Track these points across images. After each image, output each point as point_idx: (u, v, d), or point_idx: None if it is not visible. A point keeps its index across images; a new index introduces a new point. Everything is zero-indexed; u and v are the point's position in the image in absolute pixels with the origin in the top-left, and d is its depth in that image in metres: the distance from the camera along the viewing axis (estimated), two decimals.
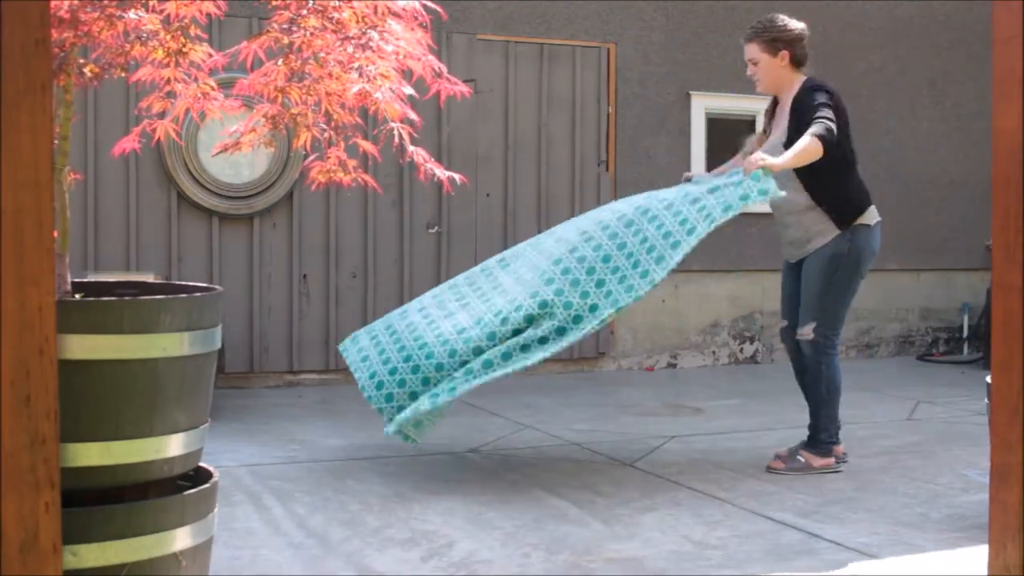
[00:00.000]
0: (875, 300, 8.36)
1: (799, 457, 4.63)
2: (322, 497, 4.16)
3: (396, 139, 2.92)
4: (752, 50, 4.65)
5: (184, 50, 2.77)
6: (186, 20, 2.76)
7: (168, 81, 2.83)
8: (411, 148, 2.99)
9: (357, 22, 2.80)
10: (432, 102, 3.26)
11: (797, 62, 4.65)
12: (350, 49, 2.80)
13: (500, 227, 7.39)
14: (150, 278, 5.87)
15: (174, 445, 2.56)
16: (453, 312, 4.59)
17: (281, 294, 6.88)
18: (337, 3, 2.80)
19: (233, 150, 3.04)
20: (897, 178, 8.59)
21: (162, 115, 2.98)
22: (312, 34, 2.80)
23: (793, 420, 5.48)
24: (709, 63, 7.99)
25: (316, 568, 3.36)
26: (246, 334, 6.78)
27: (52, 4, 2.27)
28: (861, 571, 3.38)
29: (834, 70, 8.36)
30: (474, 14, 7.30)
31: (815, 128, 4.38)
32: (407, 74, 2.92)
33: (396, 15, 2.87)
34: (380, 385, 4.40)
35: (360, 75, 2.80)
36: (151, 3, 2.71)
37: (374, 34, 2.81)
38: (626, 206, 4.61)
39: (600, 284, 4.25)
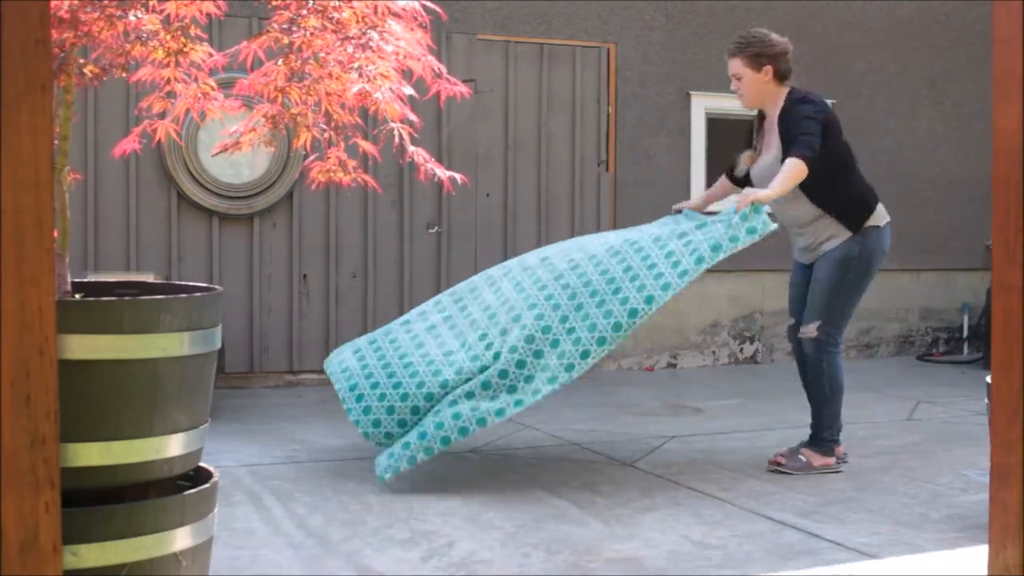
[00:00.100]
0: (875, 300, 8.36)
1: (800, 456, 4.63)
2: (322, 497, 4.16)
3: (396, 139, 2.92)
4: (735, 65, 4.65)
5: (184, 50, 2.77)
6: (186, 20, 2.76)
7: (168, 81, 2.83)
8: (411, 148, 2.99)
9: (357, 22, 2.80)
10: (432, 102, 3.26)
11: (781, 76, 4.63)
12: (350, 49, 2.80)
13: (500, 227, 7.39)
14: (150, 278, 5.87)
15: (174, 445, 2.56)
16: (439, 333, 4.59)
17: (281, 294, 6.88)
18: (337, 3, 2.80)
19: (233, 150, 3.04)
20: (897, 178, 8.59)
21: (162, 115, 2.98)
22: (312, 34, 2.80)
23: (793, 420, 5.48)
24: (709, 63, 7.99)
25: (316, 568, 3.36)
26: (246, 334, 6.78)
27: (52, 4, 2.27)
28: (861, 571, 3.38)
29: (834, 70, 8.37)
30: (474, 14, 7.30)
31: (795, 149, 4.40)
32: (407, 74, 2.92)
33: (396, 15, 2.87)
34: (360, 398, 4.45)
35: (360, 75, 2.80)
36: (151, 3, 2.71)
37: (374, 34, 2.81)
38: (616, 239, 4.65)
39: (591, 328, 4.22)
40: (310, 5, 2.80)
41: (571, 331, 4.23)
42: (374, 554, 3.49)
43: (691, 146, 7.94)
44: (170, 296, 2.59)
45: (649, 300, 4.17)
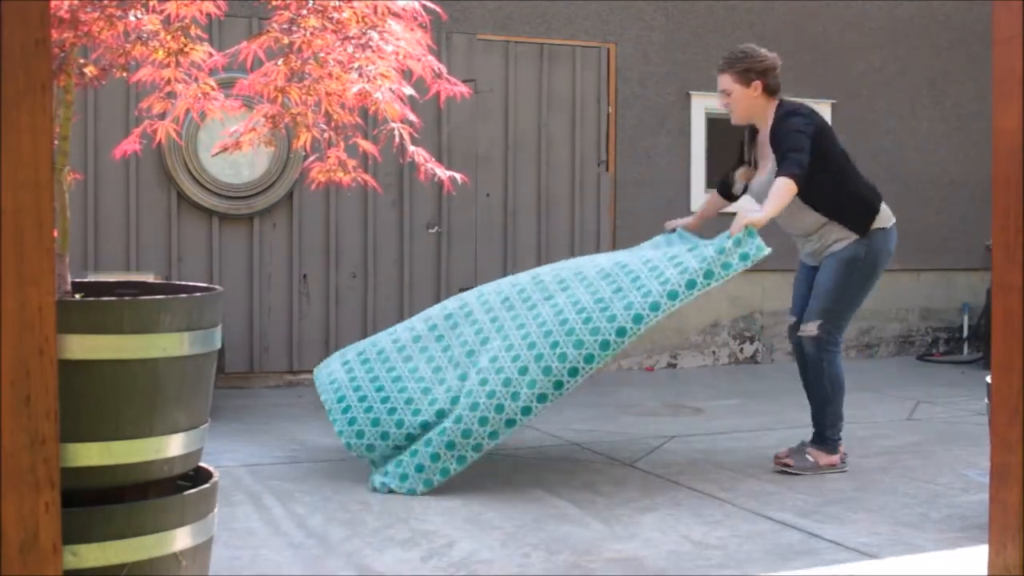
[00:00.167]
0: (875, 300, 8.35)
1: (807, 456, 4.64)
2: (322, 497, 4.16)
3: (396, 139, 2.92)
4: (725, 81, 4.65)
5: (184, 50, 2.77)
6: (186, 20, 2.76)
7: (168, 81, 2.83)
8: (411, 148, 2.99)
9: (357, 22, 2.80)
10: (432, 102, 3.26)
11: (770, 91, 4.62)
12: (350, 49, 2.80)
13: (500, 227, 7.40)
14: (150, 278, 5.87)
15: (174, 445, 2.56)
16: (432, 356, 4.59)
17: (281, 294, 6.88)
18: (337, 3, 2.80)
19: (233, 150, 3.04)
20: (897, 178, 8.59)
21: (162, 116, 2.98)
22: (312, 34, 2.80)
23: (793, 420, 5.48)
24: (709, 63, 7.98)
25: (316, 568, 3.36)
26: (246, 334, 6.78)
27: (52, 4, 2.27)
28: (861, 571, 3.38)
29: (834, 70, 8.37)
30: (474, 14, 7.30)
31: (783, 168, 4.41)
32: (407, 74, 2.92)
33: (396, 15, 2.87)
34: (347, 409, 4.47)
35: (360, 75, 2.80)
36: (151, 3, 2.71)
37: (374, 34, 2.81)
38: (607, 261, 4.66)
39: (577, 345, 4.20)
40: (310, 5, 2.80)
41: (557, 348, 4.22)
42: (374, 554, 3.49)
43: (691, 146, 7.94)
44: (170, 296, 2.59)
45: (638, 319, 4.15)
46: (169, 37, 2.74)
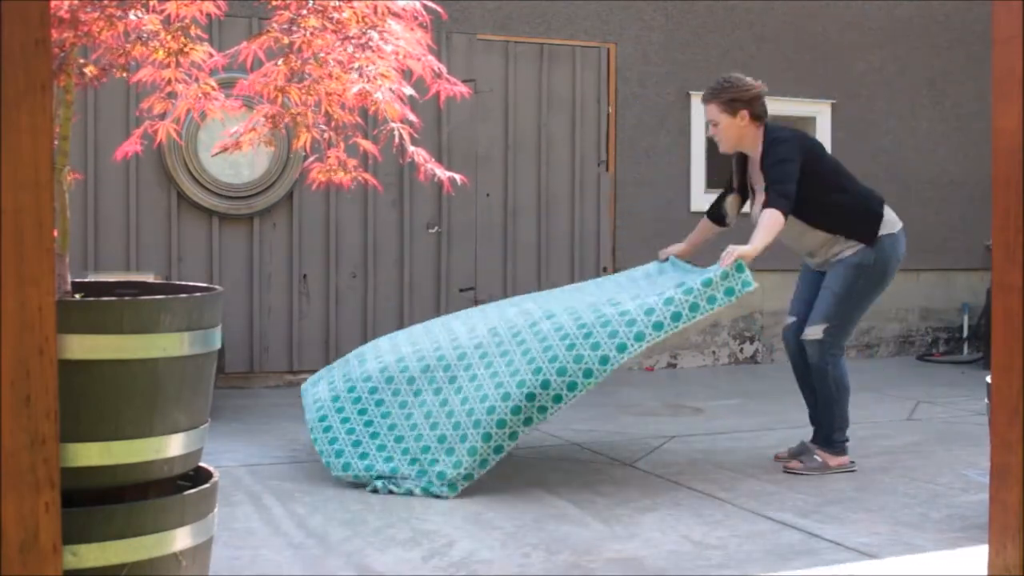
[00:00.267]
0: None
1: (816, 456, 4.64)
2: (322, 497, 4.16)
3: (396, 139, 2.92)
4: (711, 111, 4.65)
5: (185, 50, 2.77)
6: (186, 20, 2.76)
7: (169, 82, 2.83)
8: (411, 148, 2.99)
9: (357, 22, 2.80)
10: (432, 102, 3.26)
11: (757, 118, 4.63)
12: (350, 49, 2.80)
13: (500, 227, 7.40)
14: (150, 278, 5.87)
15: (174, 445, 2.56)
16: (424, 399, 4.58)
17: (281, 294, 6.88)
18: (337, 3, 2.80)
19: (233, 150, 3.04)
20: (897, 178, 8.59)
21: (163, 116, 2.98)
22: (312, 34, 2.80)
23: (793, 420, 5.48)
24: (709, 63, 7.99)
25: (316, 568, 3.36)
26: (246, 334, 6.78)
27: (52, 4, 2.27)
28: (861, 571, 3.38)
29: (834, 70, 8.37)
30: (474, 14, 7.30)
31: (769, 200, 4.42)
32: (407, 74, 2.92)
33: (396, 15, 2.87)
34: (328, 428, 4.50)
35: (360, 75, 2.80)
36: (151, 3, 2.71)
37: (374, 34, 2.81)
38: (596, 291, 4.74)
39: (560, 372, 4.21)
40: (310, 5, 2.80)
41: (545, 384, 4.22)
42: (374, 554, 3.49)
43: (691, 146, 7.94)
44: (170, 296, 2.59)
45: (622, 348, 4.15)
46: (169, 37, 2.74)
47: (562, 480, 4.49)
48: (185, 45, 2.76)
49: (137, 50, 2.74)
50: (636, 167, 7.79)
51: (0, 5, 1.86)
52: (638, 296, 4.37)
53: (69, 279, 2.73)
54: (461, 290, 7.29)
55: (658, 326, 4.16)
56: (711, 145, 8.00)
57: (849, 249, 4.63)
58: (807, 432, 4.91)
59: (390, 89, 2.84)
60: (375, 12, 2.83)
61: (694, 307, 4.19)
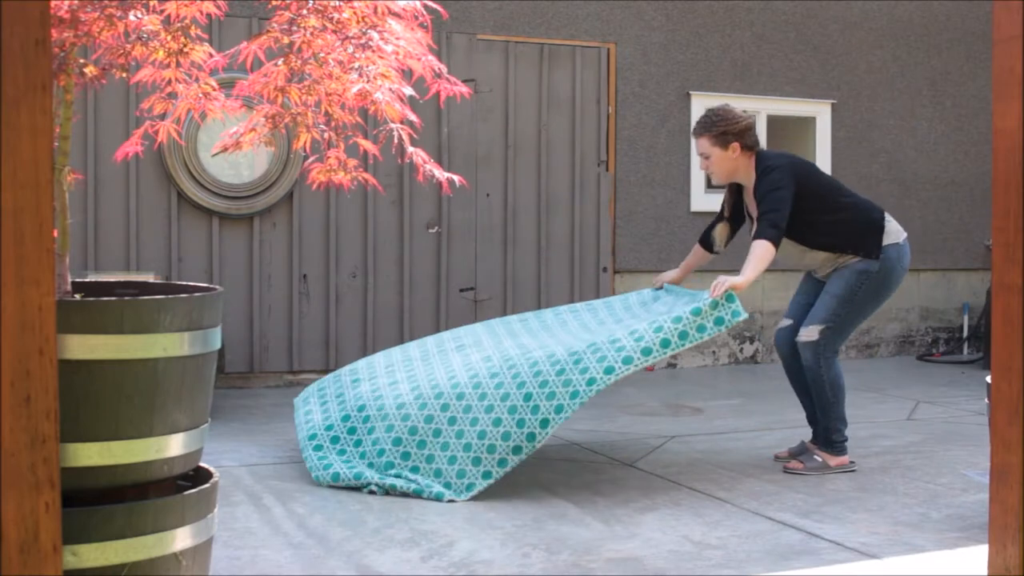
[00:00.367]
0: None
1: (816, 456, 4.65)
2: (322, 497, 4.16)
3: (395, 140, 2.92)
4: (703, 145, 4.65)
5: (185, 50, 2.77)
6: (186, 20, 2.76)
7: (169, 82, 2.83)
8: (410, 149, 2.99)
9: (357, 22, 2.80)
10: (432, 102, 3.26)
11: (749, 149, 4.64)
12: (350, 49, 2.81)
13: (500, 227, 7.40)
14: (150, 278, 5.87)
15: (174, 445, 2.56)
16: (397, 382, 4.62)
17: (281, 294, 6.88)
18: (337, 3, 2.80)
19: (233, 150, 3.04)
20: (897, 178, 8.60)
21: (163, 116, 2.98)
22: (312, 34, 2.80)
23: (793, 420, 5.48)
24: (709, 63, 7.99)
25: (316, 568, 3.36)
26: (246, 334, 6.78)
27: (52, 4, 2.27)
28: (861, 571, 3.38)
29: (834, 70, 8.37)
30: (474, 14, 7.30)
31: (759, 231, 4.45)
32: (407, 74, 2.92)
33: (396, 15, 2.87)
34: (313, 436, 4.52)
35: (360, 75, 2.80)
36: (151, 3, 2.71)
37: (374, 34, 2.81)
38: (588, 318, 4.80)
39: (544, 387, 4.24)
40: (310, 5, 2.80)
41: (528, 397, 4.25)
42: (374, 554, 3.49)
43: (691, 146, 7.93)
44: (170, 296, 2.59)
45: (609, 371, 4.16)
46: (169, 37, 2.74)
47: (562, 480, 4.49)
48: (185, 45, 2.76)
49: (137, 50, 2.74)
50: (636, 167, 7.79)
51: (0, 5, 1.86)
52: (630, 326, 4.40)
53: (69, 279, 2.73)
54: (461, 290, 7.29)
55: (647, 351, 4.19)
56: None
57: (854, 257, 4.63)
58: (807, 432, 4.92)
59: (390, 89, 2.84)
60: (375, 12, 2.83)
61: (683, 335, 4.23)
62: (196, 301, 2.60)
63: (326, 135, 3.00)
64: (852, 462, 4.69)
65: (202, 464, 2.78)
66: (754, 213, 4.64)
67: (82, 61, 2.78)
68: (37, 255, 1.91)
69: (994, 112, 1.99)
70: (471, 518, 3.90)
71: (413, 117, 2.94)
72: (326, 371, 6.97)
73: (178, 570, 2.53)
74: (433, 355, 4.82)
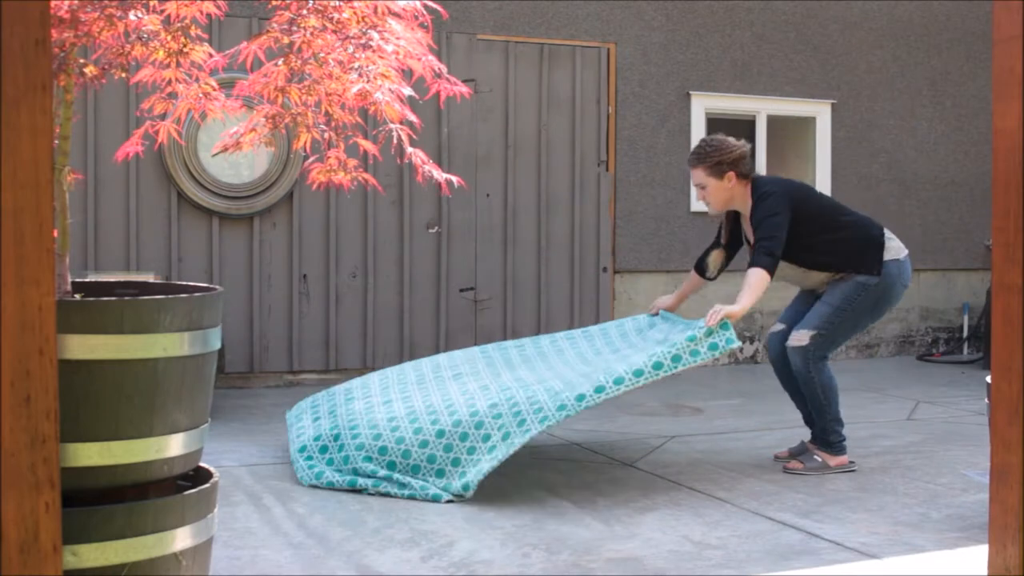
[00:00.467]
0: None
1: (816, 457, 4.65)
2: (322, 497, 4.16)
3: (395, 140, 2.92)
4: (698, 176, 4.65)
5: (185, 50, 2.77)
6: (186, 20, 2.76)
7: (169, 82, 2.83)
8: (409, 150, 2.99)
9: (357, 22, 2.80)
10: (432, 102, 3.26)
11: (744, 177, 4.64)
12: (350, 49, 2.80)
13: (500, 227, 7.40)
14: (150, 278, 5.87)
15: (174, 445, 2.56)
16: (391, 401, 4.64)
17: (281, 294, 6.88)
18: (337, 3, 2.80)
19: (233, 150, 3.04)
20: (897, 178, 8.60)
21: (163, 116, 2.98)
22: (312, 34, 2.80)
23: (793, 420, 5.48)
24: (709, 63, 7.99)
25: (316, 568, 3.36)
26: (246, 334, 6.78)
27: (52, 4, 2.28)
28: (861, 571, 3.38)
29: (834, 70, 8.37)
30: (474, 14, 7.30)
31: (755, 258, 4.46)
32: (407, 74, 2.92)
33: (396, 15, 2.87)
34: (303, 448, 4.53)
35: (360, 75, 2.80)
36: (151, 3, 2.71)
37: (374, 34, 2.81)
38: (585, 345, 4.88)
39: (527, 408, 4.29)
40: (310, 5, 2.80)
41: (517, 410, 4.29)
42: (374, 554, 3.49)
43: (691, 146, 7.93)
44: (170, 296, 2.59)
45: (599, 390, 4.19)
46: (169, 37, 2.74)
47: (562, 480, 4.49)
48: (185, 45, 2.76)
49: (137, 50, 2.74)
50: (636, 167, 7.79)
51: (0, 5, 1.86)
52: (629, 358, 4.43)
53: (69, 279, 2.73)
54: (461, 290, 7.29)
55: (638, 372, 4.23)
56: None
57: (855, 274, 4.65)
58: (807, 432, 4.92)
59: (390, 89, 2.84)
60: (375, 12, 2.83)
61: (676, 358, 4.27)
62: (196, 301, 2.60)
63: (326, 135, 3.00)
64: (852, 462, 4.69)
65: (202, 464, 2.78)
66: (752, 239, 4.65)
67: (82, 61, 2.78)
68: (37, 255, 1.91)
69: (994, 112, 1.99)
70: (471, 518, 3.90)
71: (413, 117, 2.94)
72: (326, 371, 6.97)
73: (178, 570, 2.53)
74: (429, 380, 4.82)
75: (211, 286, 2.81)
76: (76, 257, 6.31)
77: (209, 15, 2.78)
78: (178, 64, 2.79)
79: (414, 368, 5.05)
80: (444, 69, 3.01)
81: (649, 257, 7.85)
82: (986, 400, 3.81)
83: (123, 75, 2.79)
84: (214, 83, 2.91)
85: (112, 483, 2.49)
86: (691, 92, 7.91)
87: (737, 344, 4.30)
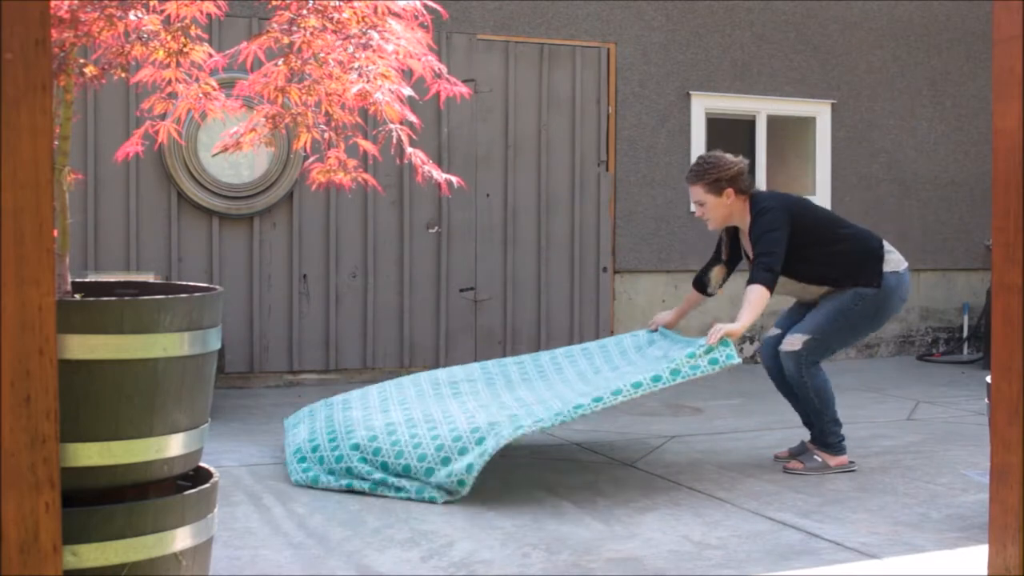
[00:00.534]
0: None
1: (816, 457, 4.65)
2: (322, 497, 4.16)
3: (395, 140, 2.92)
4: (697, 193, 4.66)
5: (185, 50, 2.77)
6: (186, 20, 2.76)
7: (169, 82, 2.83)
8: (409, 150, 2.99)
9: (357, 22, 2.80)
10: (432, 102, 3.26)
11: (742, 193, 4.65)
12: (350, 49, 2.80)
13: (500, 227, 7.40)
14: (150, 278, 5.87)
15: (174, 445, 2.56)
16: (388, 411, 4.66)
17: (281, 294, 6.88)
18: (337, 3, 2.80)
19: (233, 150, 3.04)
20: (897, 178, 8.59)
21: (163, 116, 2.98)
22: (312, 34, 2.80)
23: (793, 420, 5.47)
24: (709, 63, 7.99)
25: (316, 568, 3.36)
26: (246, 334, 6.78)
27: (52, 4, 2.28)
28: (861, 571, 3.38)
29: (834, 70, 8.37)
30: (474, 14, 7.30)
31: (754, 275, 4.47)
32: (407, 74, 2.92)
33: (396, 15, 2.87)
34: (297, 450, 4.54)
35: (360, 75, 2.80)
36: (151, 3, 2.71)
37: (374, 34, 2.81)
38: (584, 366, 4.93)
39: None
40: (310, 5, 2.80)
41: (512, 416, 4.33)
42: (374, 554, 3.49)
43: (691, 146, 7.94)
44: (170, 296, 2.59)
45: (597, 400, 4.27)
46: (169, 37, 2.74)
47: (562, 480, 4.49)
48: (185, 45, 2.76)
49: (137, 50, 2.74)
50: (636, 167, 7.79)
51: (0, 5, 1.86)
52: (625, 375, 4.48)
53: (69, 279, 2.73)
54: (461, 290, 7.29)
55: (637, 384, 4.28)
56: (711, 145, 8.02)
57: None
58: (807, 432, 4.92)
59: (390, 90, 2.84)
60: (375, 12, 2.83)
61: (675, 372, 4.31)
62: (196, 301, 2.60)
63: (326, 135, 3.00)
64: (852, 462, 4.69)
65: (202, 464, 2.78)
66: (751, 254, 4.65)
67: (82, 61, 2.78)
68: (37, 255, 1.91)
69: (994, 112, 1.99)
70: (471, 518, 3.90)
71: (413, 117, 2.94)
72: (326, 371, 6.97)
73: (178, 570, 2.53)
74: (428, 396, 4.83)
75: (211, 286, 2.81)
76: (76, 257, 6.31)
77: (209, 15, 2.78)
78: (178, 64, 2.79)
79: (413, 383, 5.06)
80: (444, 69, 3.01)
81: (649, 257, 7.85)
82: (986, 400, 3.81)
83: (123, 75, 2.79)
84: (214, 83, 2.91)
85: (112, 483, 2.49)
86: (691, 92, 7.91)
87: (737, 360, 4.32)
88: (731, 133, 8.47)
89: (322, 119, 2.97)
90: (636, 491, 4.31)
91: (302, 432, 4.68)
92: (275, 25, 2.83)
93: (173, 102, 2.91)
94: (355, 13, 2.80)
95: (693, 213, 5.16)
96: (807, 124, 8.42)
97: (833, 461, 4.64)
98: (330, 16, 2.80)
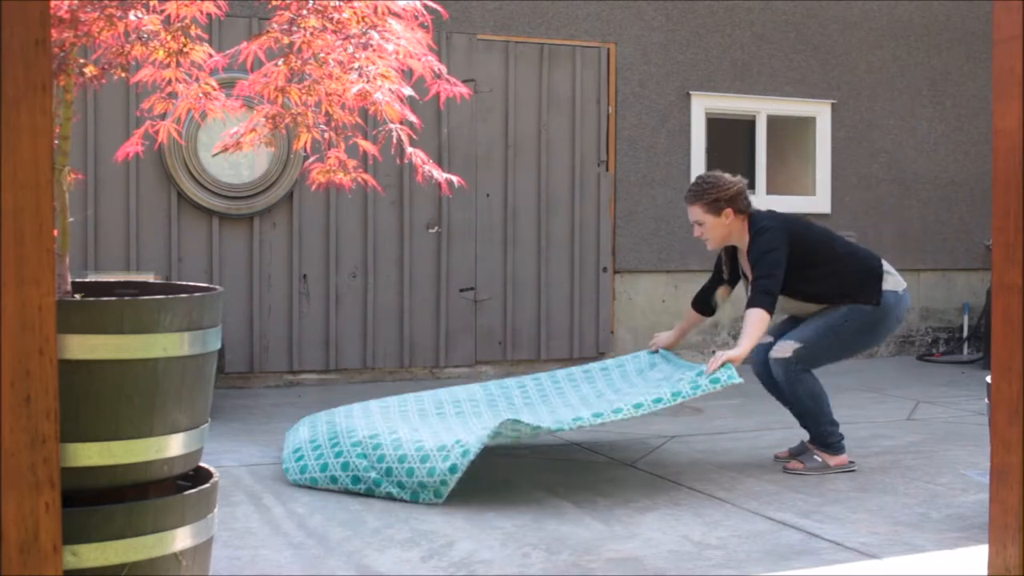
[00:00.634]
0: None
1: (816, 456, 4.66)
2: (322, 497, 4.16)
3: (395, 140, 2.92)
4: (696, 213, 4.66)
5: (185, 50, 2.77)
6: (186, 20, 2.76)
7: (169, 82, 2.83)
8: (409, 150, 2.99)
9: (357, 22, 2.80)
10: (432, 102, 3.26)
11: (741, 212, 4.65)
12: (350, 49, 2.80)
13: (500, 227, 7.40)
14: (150, 278, 5.87)
15: (174, 445, 2.56)
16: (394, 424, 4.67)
17: (281, 294, 6.88)
18: (337, 3, 2.80)
19: (233, 150, 3.04)
20: (897, 178, 8.59)
21: (163, 116, 2.98)
22: (312, 34, 2.80)
23: (792, 420, 5.47)
24: (709, 63, 7.99)
25: (316, 568, 3.36)
26: (246, 334, 6.78)
27: (52, 4, 2.28)
28: (861, 571, 3.38)
29: (834, 70, 8.37)
30: (474, 14, 7.30)
31: (753, 298, 4.48)
32: (407, 74, 2.92)
33: (396, 15, 2.87)
34: (296, 449, 4.54)
35: (360, 75, 2.80)
36: (151, 3, 2.71)
37: (374, 34, 2.81)
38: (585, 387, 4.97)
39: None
40: (310, 5, 2.80)
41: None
42: (374, 554, 3.49)
43: (691, 146, 7.94)
44: (170, 296, 2.59)
45: (597, 415, 4.28)
46: (169, 37, 2.74)
47: (562, 480, 4.49)
48: (185, 45, 2.76)
49: (137, 50, 2.74)
50: (636, 167, 7.79)
51: (0, 5, 1.86)
52: (626, 396, 4.50)
53: (69, 279, 2.73)
54: (461, 290, 7.30)
55: (638, 405, 4.29)
56: (711, 145, 8.03)
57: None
58: (806, 432, 4.91)
59: (390, 90, 2.84)
60: (375, 12, 2.83)
61: (676, 394, 4.35)
62: (196, 301, 2.60)
63: (326, 135, 3.00)
64: (852, 462, 4.69)
65: (202, 464, 2.78)
66: (750, 274, 4.65)
67: (82, 61, 2.78)
68: (37, 255, 1.91)
69: (994, 112, 1.99)
70: (471, 518, 3.90)
71: (412, 118, 2.94)
72: (326, 371, 6.97)
73: (178, 570, 2.53)
74: (431, 414, 4.83)
75: (211, 286, 2.81)
76: (76, 257, 6.31)
77: (209, 15, 2.78)
78: (178, 64, 2.79)
79: (415, 400, 5.07)
80: (444, 69, 3.01)
81: (649, 257, 7.85)
82: (986, 400, 3.81)
83: (123, 75, 2.79)
84: (214, 83, 2.91)
85: (112, 483, 2.49)
86: (691, 92, 7.91)
87: (739, 380, 4.33)
88: (731, 133, 8.48)
89: (322, 119, 2.97)
90: (636, 491, 4.31)
91: (303, 433, 4.69)
92: (275, 25, 2.83)
93: (173, 102, 2.91)
94: (355, 13, 2.80)
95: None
96: (807, 124, 8.42)
97: (833, 461, 4.64)
98: (330, 16, 2.80)
